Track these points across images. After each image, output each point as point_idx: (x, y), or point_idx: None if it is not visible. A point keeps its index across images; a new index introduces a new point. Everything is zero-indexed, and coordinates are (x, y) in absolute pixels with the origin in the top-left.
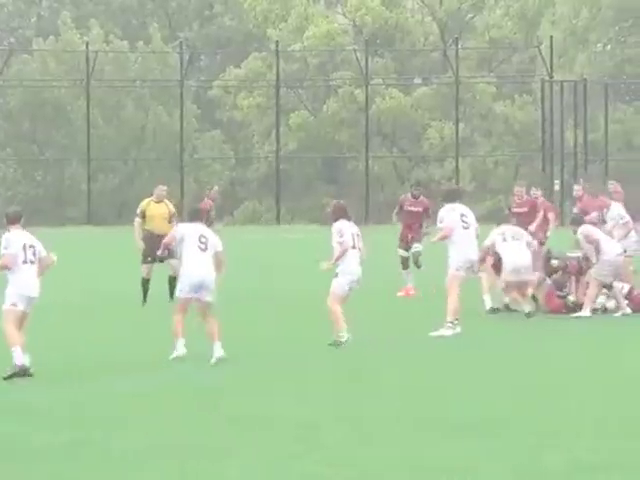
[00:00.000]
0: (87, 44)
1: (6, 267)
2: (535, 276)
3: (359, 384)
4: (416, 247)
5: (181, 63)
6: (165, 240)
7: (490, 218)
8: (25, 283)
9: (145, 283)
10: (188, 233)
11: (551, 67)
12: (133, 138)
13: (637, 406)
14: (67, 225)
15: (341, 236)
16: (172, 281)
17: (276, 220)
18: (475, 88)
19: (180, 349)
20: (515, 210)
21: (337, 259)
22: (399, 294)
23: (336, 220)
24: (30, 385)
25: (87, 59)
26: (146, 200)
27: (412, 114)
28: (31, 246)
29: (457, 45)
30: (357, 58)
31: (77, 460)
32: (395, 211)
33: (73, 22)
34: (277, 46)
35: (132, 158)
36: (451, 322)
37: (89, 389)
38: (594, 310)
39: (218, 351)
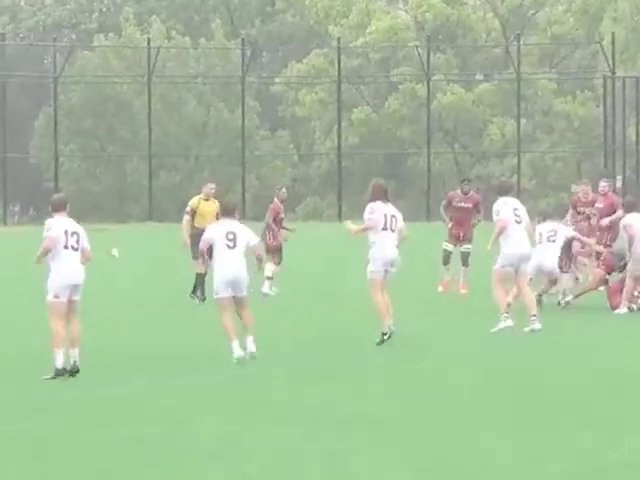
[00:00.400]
0: (149, 40)
1: (48, 250)
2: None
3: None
4: (467, 248)
5: (243, 59)
6: (200, 249)
7: (553, 214)
8: (67, 270)
9: (200, 278)
10: (215, 234)
11: (613, 63)
12: (194, 135)
13: None
14: (128, 222)
15: (371, 213)
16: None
17: (338, 216)
18: (536, 84)
19: (237, 350)
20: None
21: (360, 231)
22: (439, 289)
23: (372, 201)
24: (84, 380)
25: (149, 55)
26: (196, 198)
27: (473, 110)
28: (74, 233)
29: (519, 41)
30: (419, 54)
31: (138, 457)
32: (443, 205)
33: (135, 18)
34: (339, 42)
35: (193, 155)
36: (505, 313)
37: (147, 383)
38: (630, 308)
39: (251, 346)
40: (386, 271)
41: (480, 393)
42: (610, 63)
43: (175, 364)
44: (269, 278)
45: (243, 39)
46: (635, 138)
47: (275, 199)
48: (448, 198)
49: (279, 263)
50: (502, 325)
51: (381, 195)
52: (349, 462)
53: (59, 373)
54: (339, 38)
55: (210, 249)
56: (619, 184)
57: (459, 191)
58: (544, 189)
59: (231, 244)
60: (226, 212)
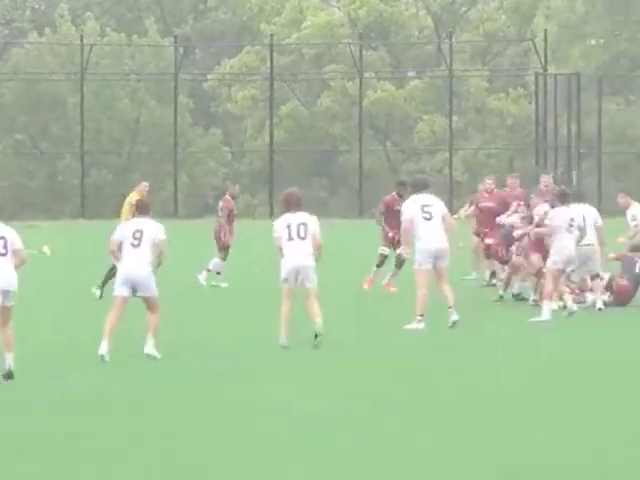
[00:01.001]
0: (82, 37)
1: None
2: None
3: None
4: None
5: (175, 56)
6: (110, 250)
7: None
8: None
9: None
10: (123, 233)
11: (545, 60)
12: (127, 132)
13: None
14: (60, 219)
15: (275, 231)
16: None
17: (269, 214)
18: (469, 82)
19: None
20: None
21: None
22: (365, 286)
23: (285, 212)
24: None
25: (82, 52)
26: (134, 195)
27: (405, 107)
28: (1, 237)
29: (451, 38)
30: (351, 51)
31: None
32: (379, 211)
33: (70, 14)
34: (271, 39)
35: (126, 152)
36: (419, 316)
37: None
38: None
39: (149, 349)
40: (295, 279)
41: (410, 393)
42: (542, 60)
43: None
44: (209, 270)
45: (176, 36)
46: (567, 135)
47: (227, 196)
48: (385, 203)
49: (225, 259)
50: (414, 326)
51: (291, 206)
52: (284, 462)
53: None
54: (272, 35)
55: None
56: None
57: (395, 194)
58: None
59: (136, 242)
60: (141, 210)
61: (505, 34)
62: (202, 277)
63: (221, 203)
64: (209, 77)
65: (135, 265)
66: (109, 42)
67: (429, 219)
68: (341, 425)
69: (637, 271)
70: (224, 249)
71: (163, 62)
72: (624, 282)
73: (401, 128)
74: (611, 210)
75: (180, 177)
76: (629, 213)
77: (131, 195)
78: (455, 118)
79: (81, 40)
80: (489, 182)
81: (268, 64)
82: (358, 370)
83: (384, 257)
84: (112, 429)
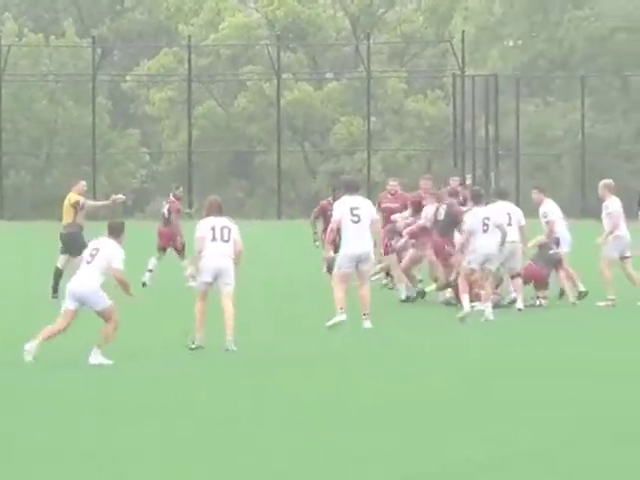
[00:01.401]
0: None
1: None
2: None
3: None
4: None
5: (93, 57)
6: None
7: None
8: None
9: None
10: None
11: (463, 62)
12: (45, 133)
13: None
14: None
15: (197, 231)
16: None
17: (188, 215)
18: (387, 83)
19: (339, 317)
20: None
21: (197, 255)
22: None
23: (206, 216)
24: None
25: None
26: (76, 195)
27: (322, 109)
28: None
29: (369, 40)
30: (269, 52)
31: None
32: (314, 216)
33: None
34: (189, 40)
35: (45, 153)
36: (340, 309)
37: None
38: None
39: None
40: (213, 282)
41: (326, 394)
42: (460, 62)
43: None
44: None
45: (94, 37)
46: (485, 137)
47: (172, 197)
48: (322, 207)
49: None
50: (337, 319)
51: (213, 211)
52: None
53: None
54: (189, 36)
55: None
56: (469, 182)
57: (332, 199)
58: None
59: (89, 259)
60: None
61: (423, 35)
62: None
63: (167, 206)
64: (127, 78)
65: (80, 281)
66: (27, 43)
67: (357, 222)
68: (246, 427)
69: (550, 252)
70: (183, 249)
71: (81, 63)
72: (535, 266)
73: (319, 129)
74: (529, 211)
75: (98, 179)
76: (541, 210)
77: (69, 196)
78: (373, 119)
79: None
80: (393, 184)
81: (186, 65)
82: (270, 372)
83: (333, 259)
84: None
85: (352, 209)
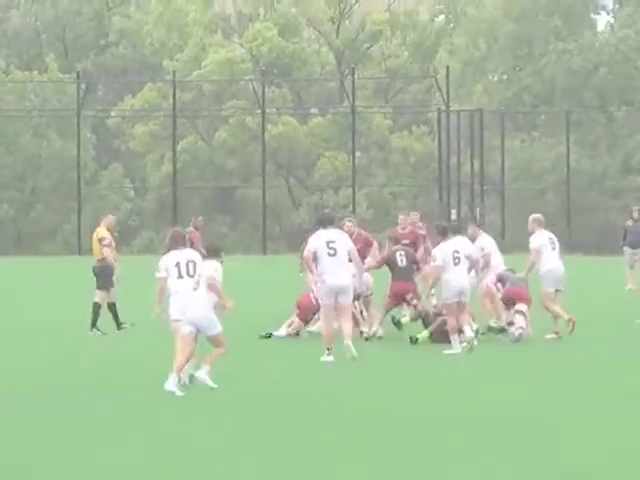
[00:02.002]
0: None
1: None
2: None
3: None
4: None
5: (78, 92)
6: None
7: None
8: None
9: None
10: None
11: (448, 97)
12: (29, 167)
13: None
14: None
15: (158, 271)
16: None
17: None
18: (371, 119)
19: (326, 357)
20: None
21: (158, 295)
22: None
23: (170, 249)
24: None
25: None
26: (104, 230)
27: (306, 143)
28: None
29: (353, 75)
30: (254, 87)
31: None
32: (302, 249)
33: None
34: (174, 76)
35: (29, 187)
36: (327, 349)
37: None
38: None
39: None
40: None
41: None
42: (445, 97)
43: None
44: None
45: (78, 72)
46: (470, 172)
47: (192, 227)
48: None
49: None
50: (324, 359)
51: (177, 243)
52: None
53: None
54: (174, 71)
55: None
56: (454, 217)
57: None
58: (384, 223)
59: (195, 285)
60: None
61: (408, 71)
62: None
63: (186, 236)
64: (112, 114)
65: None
66: (12, 79)
67: (333, 255)
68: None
69: (515, 275)
70: None
71: (65, 98)
72: (513, 287)
73: (304, 163)
74: (515, 245)
75: (84, 211)
76: (477, 244)
77: (98, 230)
78: (358, 154)
79: None
80: (349, 224)
81: (170, 100)
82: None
83: None
84: None
85: (328, 242)
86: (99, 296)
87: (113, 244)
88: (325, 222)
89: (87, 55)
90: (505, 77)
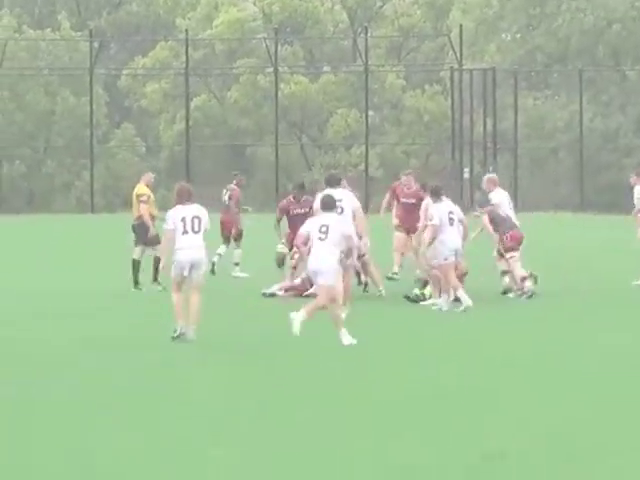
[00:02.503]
0: None
1: None
2: None
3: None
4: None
5: (91, 50)
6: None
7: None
8: None
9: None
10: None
11: (461, 55)
12: (41, 125)
13: None
14: None
15: (167, 222)
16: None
17: None
18: (384, 77)
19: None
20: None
21: (165, 247)
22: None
23: (176, 204)
24: None
25: None
26: (144, 186)
27: (319, 101)
28: None
29: (366, 33)
30: (266, 45)
31: None
32: (277, 219)
33: None
34: (187, 34)
35: (41, 145)
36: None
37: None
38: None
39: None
40: (189, 274)
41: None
42: (458, 55)
43: None
44: (237, 264)
45: (91, 30)
46: (483, 131)
47: (234, 185)
48: (282, 208)
49: (240, 247)
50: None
51: (182, 199)
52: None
53: None
54: (187, 30)
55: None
56: (466, 176)
57: (292, 198)
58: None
59: (322, 236)
60: (327, 207)
61: (421, 29)
62: (239, 273)
63: (228, 193)
64: (125, 72)
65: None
66: (25, 37)
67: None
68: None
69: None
70: (239, 237)
71: (78, 56)
72: (514, 232)
73: (317, 122)
74: (528, 204)
75: (97, 169)
76: (491, 196)
77: (138, 187)
78: (371, 113)
79: None
80: (408, 178)
81: (182, 59)
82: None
83: (282, 255)
84: None
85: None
86: (137, 253)
87: (152, 199)
88: (331, 182)
89: (100, 13)
90: (518, 36)
